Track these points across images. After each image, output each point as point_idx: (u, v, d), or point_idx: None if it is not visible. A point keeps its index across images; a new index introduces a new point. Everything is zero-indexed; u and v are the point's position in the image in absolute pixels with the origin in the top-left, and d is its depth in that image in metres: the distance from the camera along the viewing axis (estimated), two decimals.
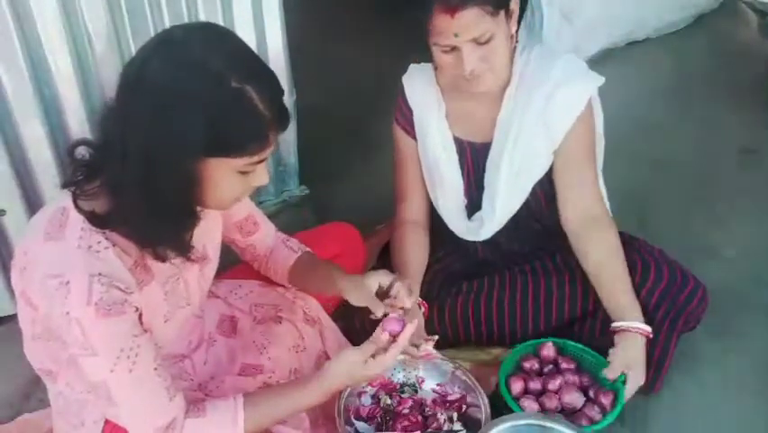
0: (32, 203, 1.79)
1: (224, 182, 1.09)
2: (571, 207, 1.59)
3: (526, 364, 1.56)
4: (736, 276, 1.96)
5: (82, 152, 1.13)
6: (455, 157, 1.65)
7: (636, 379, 1.46)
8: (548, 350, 1.57)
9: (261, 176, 1.14)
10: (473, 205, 1.69)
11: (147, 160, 1.02)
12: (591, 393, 1.50)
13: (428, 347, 1.44)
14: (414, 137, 1.68)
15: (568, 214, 1.59)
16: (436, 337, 1.47)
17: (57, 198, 1.14)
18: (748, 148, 2.61)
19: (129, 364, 1.10)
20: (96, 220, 1.08)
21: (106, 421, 1.24)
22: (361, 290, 1.37)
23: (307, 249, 1.57)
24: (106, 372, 1.09)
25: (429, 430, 1.46)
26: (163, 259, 1.15)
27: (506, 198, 1.62)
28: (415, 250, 1.69)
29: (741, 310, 1.83)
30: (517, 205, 1.63)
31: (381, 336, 1.27)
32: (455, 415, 1.49)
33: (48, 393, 1.33)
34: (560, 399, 1.48)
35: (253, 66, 1.08)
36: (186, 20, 1.86)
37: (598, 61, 3.25)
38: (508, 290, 1.63)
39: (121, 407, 1.14)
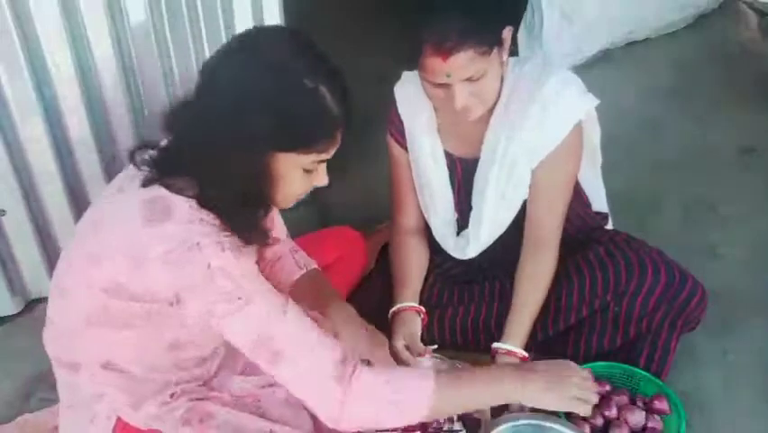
0: (32, 203, 1.79)
1: (290, 178, 1.14)
2: (528, 218, 1.58)
3: None
4: (736, 276, 1.96)
5: (148, 153, 1.17)
6: (446, 172, 1.64)
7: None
8: None
9: (323, 175, 1.21)
10: (464, 219, 1.68)
11: (219, 151, 1.07)
12: (640, 404, 1.49)
13: (425, 362, 1.46)
14: (406, 148, 1.67)
15: (526, 225, 1.59)
16: (435, 346, 1.47)
17: (127, 191, 1.16)
18: (748, 148, 2.61)
19: (282, 300, 1.12)
20: (200, 202, 1.12)
21: (119, 419, 1.25)
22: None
23: (313, 266, 1.56)
24: (264, 315, 1.10)
25: (429, 430, 1.46)
26: (249, 242, 1.17)
27: (492, 218, 1.61)
28: (413, 257, 1.69)
29: (741, 310, 1.83)
30: (506, 224, 1.62)
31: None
32: (455, 415, 1.49)
33: (58, 387, 1.32)
34: (627, 422, 1.45)
35: (326, 66, 1.12)
36: (186, 21, 1.86)
37: (599, 61, 3.25)
38: (508, 298, 1.61)
39: (290, 354, 1.11)
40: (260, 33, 1.16)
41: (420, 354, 1.49)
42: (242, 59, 1.08)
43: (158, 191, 1.13)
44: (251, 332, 1.10)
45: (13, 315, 1.87)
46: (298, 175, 1.15)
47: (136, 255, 1.09)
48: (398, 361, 1.51)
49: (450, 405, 1.22)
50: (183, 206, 1.11)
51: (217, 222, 1.12)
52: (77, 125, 1.77)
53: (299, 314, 1.15)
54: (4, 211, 1.77)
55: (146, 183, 1.14)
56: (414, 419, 1.17)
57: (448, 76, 1.35)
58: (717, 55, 3.37)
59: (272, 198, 1.18)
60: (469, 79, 1.37)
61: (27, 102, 1.67)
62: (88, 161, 1.83)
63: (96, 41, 1.73)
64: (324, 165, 1.19)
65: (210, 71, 1.11)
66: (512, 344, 1.50)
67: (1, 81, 1.63)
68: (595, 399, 1.29)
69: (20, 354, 1.27)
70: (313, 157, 1.13)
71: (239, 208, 1.13)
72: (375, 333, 1.50)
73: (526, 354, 1.50)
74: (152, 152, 1.17)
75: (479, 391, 1.24)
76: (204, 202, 1.12)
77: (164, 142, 1.19)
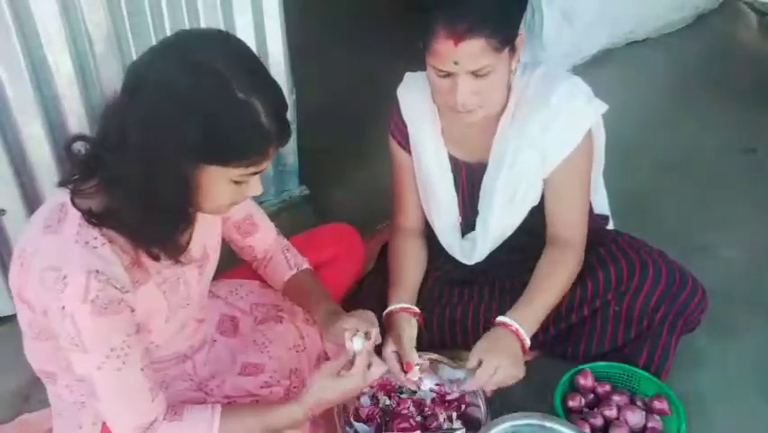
0: (32, 203, 1.79)
1: (218, 190, 1.11)
2: (549, 223, 1.58)
3: (572, 404, 1.52)
4: (736, 276, 1.96)
5: (79, 147, 1.14)
6: (450, 175, 1.63)
7: (487, 368, 1.40)
8: (585, 379, 1.55)
9: (255, 187, 1.16)
10: (468, 223, 1.68)
11: (145, 159, 1.03)
12: (640, 404, 1.50)
13: (413, 377, 1.45)
14: (409, 152, 1.66)
15: (549, 228, 1.59)
16: (426, 362, 1.46)
17: (53, 194, 1.15)
18: (748, 148, 2.61)
19: (118, 364, 1.11)
20: (92, 217, 1.08)
21: (104, 424, 1.24)
22: (337, 334, 1.37)
23: (305, 265, 1.56)
24: (94, 369, 1.10)
25: (429, 430, 1.46)
26: (157, 258, 1.15)
27: (499, 223, 1.61)
28: (411, 259, 1.68)
29: (741, 310, 1.83)
30: (511, 229, 1.62)
31: (349, 349, 1.29)
32: (455, 414, 1.49)
33: (48, 394, 1.33)
34: (627, 422, 1.46)
35: (261, 78, 1.08)
36: (186, 20, 1.86)
37: (598, 61, 3.25)
38: (508, 300, 1.60)
39: (103, 403, 1.14)
40: (193, 37, 1.10)
41: (408, 365, 1.45)
42: (172, 63, 1.03)
43: (64, 197, 1.11)
44: (82, 369, 1.12)
45: (12, 315, 1.87)
46: (227, 187, 1.11)
47: (26, 259, 1.10)
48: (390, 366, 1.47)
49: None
50: (74, 220, 1.08)
51: (108, 249, 1.09)
52: (77, 125, 1.76)
53: (135, 376, 1.14)
54: (4, 211, 1.77)
55: (61, 183, 1.14)
56: None
57: (456, 63, 1.32)
58: (717, 55, 3.37)
59: (199, 208, 1.15)
60: (475, 73, 1.34)
61: (27, 102, 1.67)
62: None
63: (96, 41, 1.73)
64: (257, 177, 1.14)
65: (139, 73, 1.05)
66: (512, 318, 1.47)
67: (1, 81, 1.63)
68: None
69: (19, 354, 1.27)
70: (241, 171, 1.09)
71: (147, 221, 1.09)
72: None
73: (528, 343, 1.46)
74: (85, 146, 1.14)
75: (262, 420, 1.26)
76: (102, 216, 1.08)
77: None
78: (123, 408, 1.15)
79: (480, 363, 1.41)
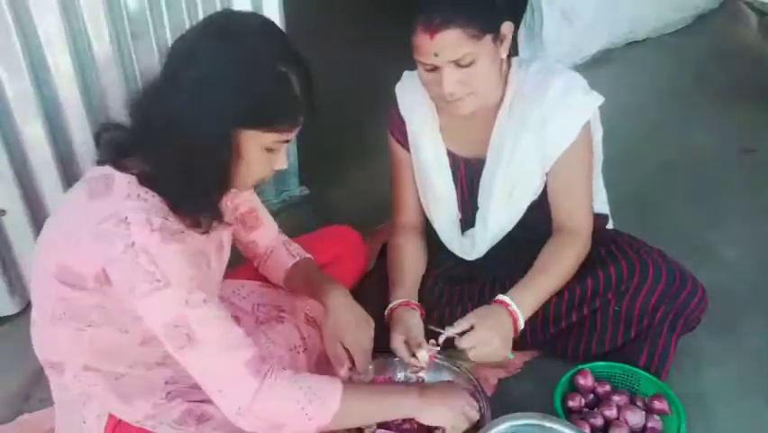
0: (32, 203, 1.79)
1: (251, 156, 1.16)
2: (555, 215, 1.59)
3: (572, 404, 1.51)
4: (735, 276, 1.96)
5: (110, 135, 1.18)
6: (449, 171, 1.64)
7: (481, 333, 1.41)
8: (585, 379, 1.54)
9: (282, 159, 1.23)
10: (467, 219, 1.68)
11: (188, 124, 1.09)
12: (640, 404, 1.49)
13: (423, 358, 1.45)
14: (408, 149, 1.67)
15: (555, 220, 1.60)
16: (438, 348, 1.46)
17: (91, 173, 1.17)
18: (748, 148, 2.61)
19: (201, 295, 1.11)
20: (141, 179, 1.12)
21: (110, 416, 1.24)
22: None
23: (307, 255, 1.57)
24: (182, 304, 1.09)
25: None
26: (199, 225, 1.17)
27: (498, 218, 1.62)
28: (411, 257, 1.68)
29: (741, 310, 1.83)
30: (511, 225, 1.63)
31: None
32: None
33: (50, 389, 1.32)
34: (627, 422, 1.45)
35: (294, 54, 1.16)
36: (186, 20, 1.86)
37: (598, 61, 3.25)
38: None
39: (204, 343, 1.10)
40: (232, 17, 1.20)
41: (419, 345, 1.46)
42: (216, 39, 1.11)
43: (104, 169, 1.15)
44: (166, 314, 1.09)
45: (13, 315, 1.87)
46: (260, 154, 1.18)
47: (74, 231, 1.11)
48: (408, 362, 1.48)
49: (353, 417, 1.24)
50: (122, 181, 1.12)
51: (158, 200, 1.12)
52: (77, 125, 1.77)
53: (221, 310, 1.14)
54: (4, 211, 1.77)
55: (99, 162, 1.17)
56: (316, 427, 1.18)
57: (436, 55, 1.37)
58: (717, 55, 3.37)
59: (236, 176, 1.19)
60: (457, 63, 1.37)
61: (27, 102, 1.67)
62: (88, 161, 1.82)
63: (96, 40, 1.73)
64: (284, 148, 1.22)
65: (183, 49, 1.13)
66: (511, 298, 1.47)
67: (1, 81, 1.63)
68: (476, 416, 1.35)
69: (20, 354, 1.27)
70: (275, 137, 1.16)
71: (191, 187, 1.13)
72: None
73: (521, 326, 1.46)
74: (115, 134, 1.18)
75: (381, 407, 1.28)
76: (148, 180, 1.13)
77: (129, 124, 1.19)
78: (226, 341, 1.11)
79: (471, 328, 1.42)
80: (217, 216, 1.20)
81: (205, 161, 1.12)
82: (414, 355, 1.47)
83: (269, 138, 1.16)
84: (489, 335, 1.42)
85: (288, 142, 1.21)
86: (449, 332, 1.44)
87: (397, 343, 1.49)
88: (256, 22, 1.18)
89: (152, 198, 1.12)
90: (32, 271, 1.24)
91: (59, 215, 1.19)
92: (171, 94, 1.10)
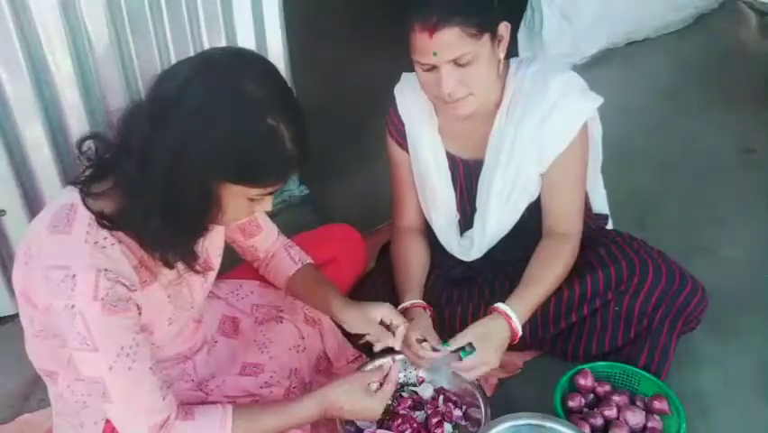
0: (32, 203, 1.79)
1: (234, 205, 1.13)
2: (546, 217, 1.59)
3: (572, 404, 1.51)
4: (735, 276, 1.96)
5: (89, 145, 1.15)
6: (447, 173, 1.64)
7: (482, 356, 1.41)
8: (585, 379, 1.54)
9: (267, 204, 1.19)
10: (466, 220, 1.68)
11: (171, 173, 1.04)
12: (640, 404, 1.49)
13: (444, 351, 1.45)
14: (406, 150, 1.67)
15: (545, 222, 1.59)
16: (451, 348, 1.45)
17: (61, 194, 1.15)
18: (748, 148, 2.61)
19: (128, 362, 1.11)
20: (104, 220, 1.09)
21: (107, 422, 1.24)
22: (365, 320, 1.43)
23: (309, 260, 1.57)
24: (105, 369, 1.10)
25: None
26: (171, 266, 1.17)
27: (496, 219, 1.62)
28: (415, 257, 1.69)
29: (741, 310, 1.83)
30: (509, 226, 1.63)
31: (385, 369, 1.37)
32: (455, 413, 1.49)
33: (48, 393, 1.33)
34: (626, 422, 1.46)
35: (289, 104, 1.11)
36: (186, 20, 1.86)
37: (598, 61, 3.25)
38: (507, 298, 1.60)
39: (116, 405, 1.14)
40: (225, 57, 1.11)
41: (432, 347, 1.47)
42: (204, 85, 1.04)
43: (72, 197, 1.11)
44: (89, 370, 1.11)
45: (13, 315, 1.87)
46: (243, 204, 1.14)
47: (31, 259, 1.10)
48: (416, 354, 1.48)
49: None
50: (84, 219, 1.09)
51: (117, 249, 1.10)
52: (77, 125, 1.76)
53: (147, 376, 1.14)
54: (4, 211, 1.77)
55: (73, 182, 1.14)
56: None
57: (435, 54, 1.36)
58: (717, 55, 3.37)
59: (214, 221, 1.16)
60: (456, 62, 1.37)
61: (27, 102, 1.67)
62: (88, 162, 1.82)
63: (96, 41, 1.73)
64: (271, 196, 1.18)
65: (170, 90, 1.06)
66: (509, 306, 1.47)
67: (1, 81, 1.63)
68: (382, 403, 1.36)
69: (19, 354, 1.27)
70: (260, 190, 1.12)
71: (164, 232, 1.10)
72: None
73: (519, 332, 1.46)
74: (98, 145, 1.15)
75: (277, 424, 1.27)
76: (118, 221, 1.09)
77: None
78: (137, 407, 1.15)
79: (469, 345, 1.42)
80: (190, 260, 1.18)
81: (183, 210, 1.09)
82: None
83: (253, 191, 1.12)
84: (488, 355, 1.42)
85: (273, 194, 1.17)
86: (445, 351, 1.45)
87: (413, 341, 1.48)
88: (247, 65, 1.10)
89: (111, 247, 1.09)
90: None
91: (29, 237, 1.14)
92: (155, 132, 1.04)
